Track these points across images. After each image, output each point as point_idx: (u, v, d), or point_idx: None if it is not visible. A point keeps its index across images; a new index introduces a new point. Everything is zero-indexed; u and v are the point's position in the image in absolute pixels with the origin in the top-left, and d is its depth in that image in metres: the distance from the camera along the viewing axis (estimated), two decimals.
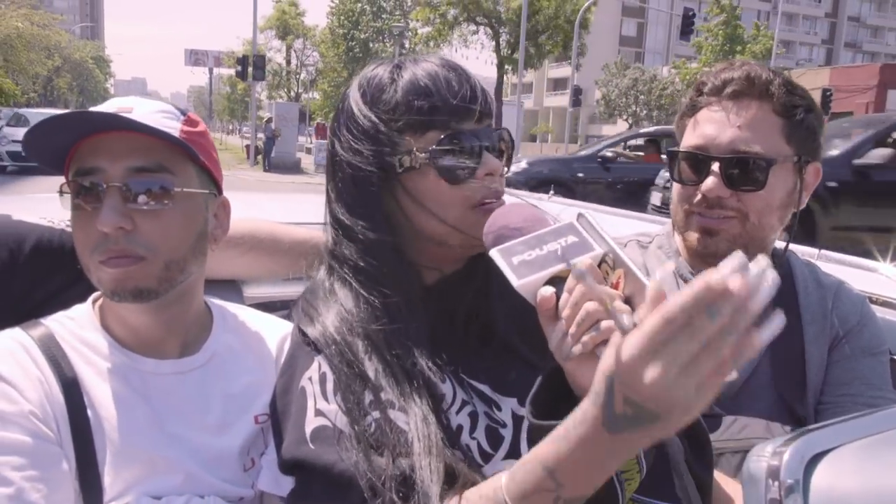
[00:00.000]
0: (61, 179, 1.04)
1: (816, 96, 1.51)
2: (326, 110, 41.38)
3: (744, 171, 1.36)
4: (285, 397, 1.02)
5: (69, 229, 1.10)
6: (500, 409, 1.02)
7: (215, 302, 1.22)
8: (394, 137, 1.02)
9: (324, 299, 1.06)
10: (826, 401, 1.42)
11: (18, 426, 0.95)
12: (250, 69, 25.83)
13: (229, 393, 1.12)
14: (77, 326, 1.09)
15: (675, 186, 1.48)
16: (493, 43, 34.46)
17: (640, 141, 15.02)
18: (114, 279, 1.00)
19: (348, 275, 1.05)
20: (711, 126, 1.40)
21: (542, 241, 0.87)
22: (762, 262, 0.62)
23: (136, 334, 1.09)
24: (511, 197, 1.07)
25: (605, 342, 0.77)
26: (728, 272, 0.61)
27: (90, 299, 1.13)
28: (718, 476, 1.12)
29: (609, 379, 0.70)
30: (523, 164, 12.26)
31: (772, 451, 0.70)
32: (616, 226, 1.91)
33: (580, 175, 12.85)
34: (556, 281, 0.83)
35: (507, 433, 1.01)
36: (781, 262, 1.51)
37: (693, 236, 1.43)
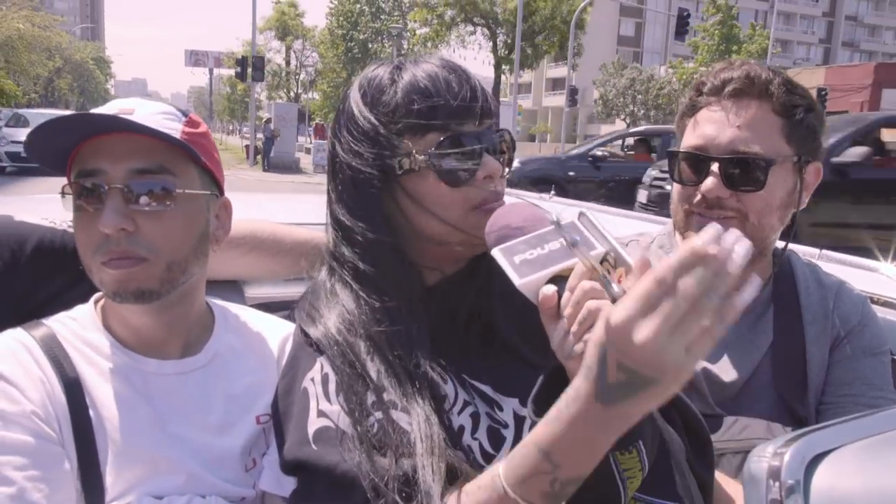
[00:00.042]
0: (60, 180, 1.05)
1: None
2: (326, 111, 41.43)
3: (743, 171, 1.36)
4: (287, 398, 1.02)
5: (71, 230, 1.10)
6: (501, 409, 1.02)
7: (217, 302, 1.23)
8: (393, 140, 1.02)
9: (325, 300, 1.06)
10: (827, 401, 1.42)
11: (20, 426, 0.96)
12: (249, 70, 25.84)
13: (231, 393, 1.12)
14: (79, 327, 1.09)
15: (675, 186, 1.48)
16: (491, 43, 34.51)
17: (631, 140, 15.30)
18: (116, 280, 1.01)
19: (349, 276, 1.06)
20: (711, 126, 1.40)
21: (543, 241, 0.87)
22: (735, 232, 0.68)
23: (138, 335, 1.09)
24: (512, 197, 1.07)
25: None
26: (708, 240, 0.66)
27: (92, 300, 1.14)
28: (719, 476, 1.12)
29: (602, 349, 0.71)
30: (516, 164, 12.28)
31: (773, 452, 0.70)
32: (617, 226, 1.91)
33: (571, 174, 13.06)
34: (558, 280, 0.84)
35: (509, 434, 1.02)
36: (782, 261, 1.51)
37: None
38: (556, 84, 68.65)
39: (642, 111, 43.97)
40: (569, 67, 33.85)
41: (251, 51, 28.52)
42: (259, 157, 26.30)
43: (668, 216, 1.55)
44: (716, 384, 1.41)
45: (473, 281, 1.09)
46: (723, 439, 1.27)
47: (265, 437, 1.12)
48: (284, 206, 2.30)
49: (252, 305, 1.35)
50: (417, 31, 36.81)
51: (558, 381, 0.87)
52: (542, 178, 12.31)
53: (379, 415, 0.94)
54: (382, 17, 40.40)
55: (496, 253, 0.88)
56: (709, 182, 1.38)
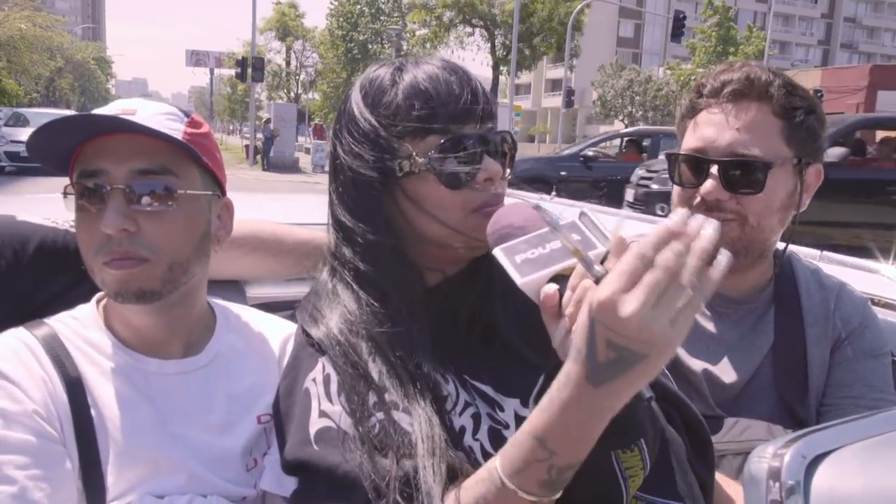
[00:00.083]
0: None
1: None
2: (326, 111, 41.45)
3: (742, 173, 1.36)
4: (289, 399, 1.02)
5: (73, 230, 1.10)
6: (502, 409, 1.02)
7: (218, 302, 1.23)
8: (393, 142, 1.01)
9: (327, 301, 1.06)
10: (828, 403, 1.42)
11: (22, 425, 0.96)
12: (249, 71, 25.87)
13: (232, 393, 1.13)
14: (81, 326, 1.09)
15: (675, 188, 1.48)
16: (489, 45, 34.54)
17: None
18: (117, 281, 1.01)
19: (350, 277, 1.06)
20: (710, 128, 1.40)
21: (544, 240, 0.87)
22: (700, 216, 0.74)
23: (140, 335, 1.09)
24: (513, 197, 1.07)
25: None
26: (678, 221, 0.73)
27: (94, 299, 1.14)
28: (720, 477, 1.13)
29: (590, 328, 0.73)
30: None
31: (773, 453, 0.70)
32: (625, 227, 1.91)
33: (563, 174, 13.22)
34: (560, 279, 0.84)
35: (510, 434, 1.01)
36: (783, 263, 1.51)
37: None
38: (555, 85, 68.62)
39: (640, 112, 43.98)
40: (565, 69, 33.90)
41: (251, 52, 28.56)
42: (258, 156, 26.36)
43: (655, 215, 1.56)
44: (716, 385, 1.41)
45: (474, 282, 1.09)
46: (723, 440, 1.27)
47: (266, 437, 1.12)
48: (283, 206, 2.30)
49: (253, 305, 1.36)
50: (416, 33, 36.85)
51: None
52: (534, 178, 12.52)
53: (380, 415, 0.94)
54: (382, 18, 40.42)
55: (497, 252, 0.88)
56: (708, 184, 1.38)
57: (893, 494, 0.71)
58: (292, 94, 50.40)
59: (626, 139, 15.75)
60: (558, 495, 0.82)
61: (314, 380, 1.00)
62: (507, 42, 32.66)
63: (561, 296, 0.83)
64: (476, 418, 1.00)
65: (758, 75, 1.38)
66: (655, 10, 60.26)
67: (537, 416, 0.79)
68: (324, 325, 1.03)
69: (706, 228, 0.73)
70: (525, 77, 63.07)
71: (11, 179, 16.08)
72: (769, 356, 1.43)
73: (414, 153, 1.00)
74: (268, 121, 26.26)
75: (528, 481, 0.80)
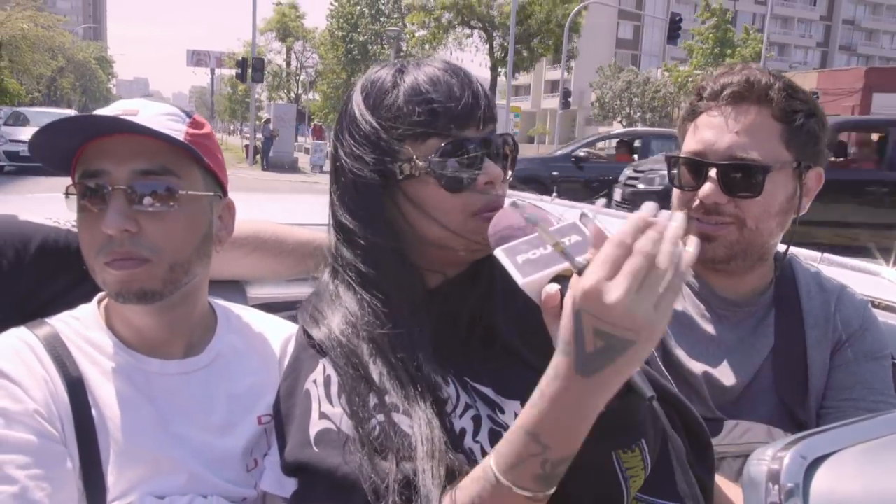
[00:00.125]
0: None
1: None
2: (326, 111, 41.44)
3: (741, 177, 1.36)
4: (289, 400, 1.02)
5: (75, 230, 1.10)
6: (503, 412, 1.02)
7: (219, 303, 1.23)
8: (394, 145, 1.01)
9: (329, 302, 1.06)
10: (828, 405, 1.42)
11: (23, 425, 0.96)
12: (249, 71, 25.89)
13: (233, 393, 1.13)
14: (82, 326, 1.09)
15: (675, 191, 1.48)
16: (487, 46, 34.57)
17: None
18: (119, 281, 1.01)
19: (351, 278, 1.06)
20: (710, 131, 1.39)
21: (545, 241, 0.87)
22: (665, 211, 0.81)
23: (141, 335, 1.09)
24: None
25: None
26: (648, 210, 0.78)
27: (95, 299, 1.14)
28: (720, 480, 1.13)
29: (576, 319, 0.75)
30: None
31: (772, 455, 0.70)
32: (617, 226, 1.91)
33: (555, 174, 13.35)
34: (561, 279, 0.84)
35: None
36: (783, 266, 1.51)
37: None
38: (554, 86, 68.58)
39: (638, 113, 43.97)
40: (562, 70, 34.03)
41: (251, 52, 28.58)
42: (258, 156, 26.38)
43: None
44: (717, 388, 1.41)
45: (475, 284, 1.09)
46: (723, 443, 1.27)
47: (267, 438, 1.12)
48: (283, 206, 2.30)
49: (254, 306, 1.36)
50: (415, 34, 36.87)
51: None
52: (526, 178, 12.63)
53: (381, 417, 0.94)
54: (382, 19, 40.44)
55: (499, 253, 0.88)
56: (706, 188, 1.37)
57: (893, 497, 0.72)
58: (292, 95, 50.37)
59: (617, 140, 15.89)
60: (553, 490, 0.82)
61: (315, 381, 1.00)
62: (506, 44, 32.66)
63: (562, 296, 0.83)
64: (476, 420, 1.00)
65: (757, 78, 1.38)
66: (654, 12, 60.26)
67: (529, 412, 0.80)
68: (325, 326, 1.03)
69: (675, 218, 0.77)
70: (525, 78, 63.16)
71: (11, 179, 16.03)
72: (769, 359, 1.43)
73: (415, 156, 1.00)
74: (267, 121, 26.33)
75: (523, 477, 0.80)
